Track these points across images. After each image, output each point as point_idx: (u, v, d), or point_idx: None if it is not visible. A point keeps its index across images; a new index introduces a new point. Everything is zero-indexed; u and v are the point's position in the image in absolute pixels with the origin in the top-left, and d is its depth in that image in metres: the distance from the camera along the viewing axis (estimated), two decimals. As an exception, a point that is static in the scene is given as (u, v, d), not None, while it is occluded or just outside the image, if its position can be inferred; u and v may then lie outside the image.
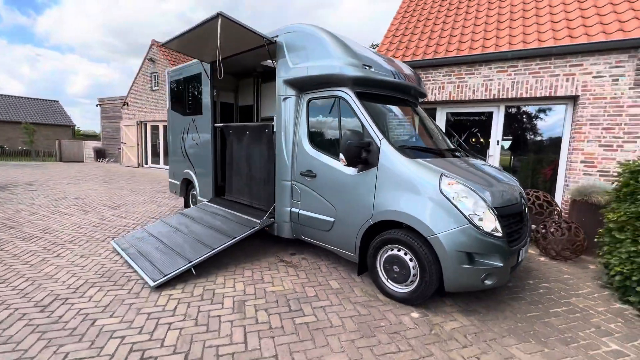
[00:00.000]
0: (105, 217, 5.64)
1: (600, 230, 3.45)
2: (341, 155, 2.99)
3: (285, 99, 3.73)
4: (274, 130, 4.02)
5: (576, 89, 4.79)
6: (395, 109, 3.94)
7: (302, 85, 3.65)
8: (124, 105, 15.73)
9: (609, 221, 3.26)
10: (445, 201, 2.59)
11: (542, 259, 4.20)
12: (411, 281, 2.81)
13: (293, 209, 3.80)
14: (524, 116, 5.52)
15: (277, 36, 3.72)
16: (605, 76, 4.61)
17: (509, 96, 5.26)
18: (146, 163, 15.55)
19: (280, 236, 3.97)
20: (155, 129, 15.10)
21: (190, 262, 3.23)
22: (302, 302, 2.86)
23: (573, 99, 4.96)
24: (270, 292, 3.04)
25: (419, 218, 2.65)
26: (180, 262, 3.26)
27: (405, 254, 2.83)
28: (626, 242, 2.94)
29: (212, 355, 2.12)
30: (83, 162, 18.37)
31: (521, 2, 6.08)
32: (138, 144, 15.35)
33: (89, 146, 19.13)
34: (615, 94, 4.58)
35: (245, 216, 4.22)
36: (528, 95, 5.13)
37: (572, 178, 4.94)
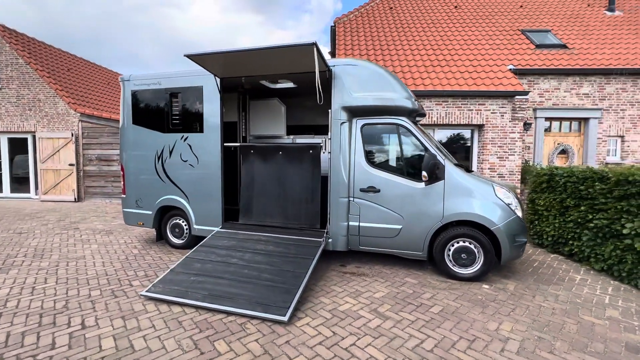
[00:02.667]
0: (48, 271, 4.12)
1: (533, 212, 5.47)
2: (424, 173, 3.70)
3: (342, 123, 4.08)
4: (323, 150, 4.25)
5: (483, 119, 7.12)
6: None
7: (358, 111, 4.10)
8: None
9: (536, 205, 5.26)
10: (499, 202, 3.72)
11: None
12: (477, 263, 3.80)
13: (351, 223, 4.16)
14: (451, 136, 7.61)
15: (334, 65, 4.04)
16: (497, 113, 7.09)
17: (443, 122, 7.19)
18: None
19: (334, 250, 4.22)
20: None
21: (299, 289, 3.14)
22: (413, 299, 3.37)
23: (480, 126, 7.31)
24: (379, 298, 3.37)
25: (485, 215, 3.68)
26: (284, 292, 3.11)
27: (470, 243, 3.81)
28: (551, 217, 4.91)
29: (426, 351, 2.44)
30: None
31: (434, 54, 8.31)
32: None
33: None
34: (502, 124, 7.11)
35: (291, 236, 4.21)
36: (455, 123, 7.18)
37: (483, 180, 7.23)
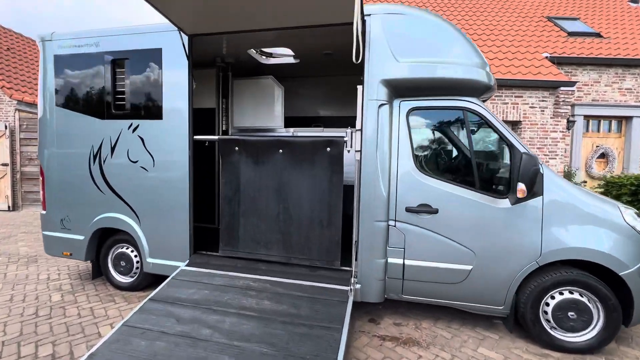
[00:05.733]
0: None
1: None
2: (521, 186, 2.29)
3: (381, 105, 2.62)
4: (347, 148, 2.78)
5: (519, 115, 5.88)
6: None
7: (403, 88, 2.67)
8: None
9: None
10: (631, 231, 2.38)
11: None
12: (593, 326, 2.44)
13: (392, 260, 2.71)
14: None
15: (369, 15, 2.58)
16: (536, 107, 5.88)
17: (473, 118, 5.89)
18: None
19: (364, 301, 2.75)
20: None
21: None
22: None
23: (516, 124, 6.06)
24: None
25: (611, 254, 2.33)
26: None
27: (582, 295, 2.44)
28: None
29: None
30: None
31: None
32: None
33: None
34: (542, 122, 5.89)
35: (299, 281, 2.71)
36: (487, 118, 5.89)
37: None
